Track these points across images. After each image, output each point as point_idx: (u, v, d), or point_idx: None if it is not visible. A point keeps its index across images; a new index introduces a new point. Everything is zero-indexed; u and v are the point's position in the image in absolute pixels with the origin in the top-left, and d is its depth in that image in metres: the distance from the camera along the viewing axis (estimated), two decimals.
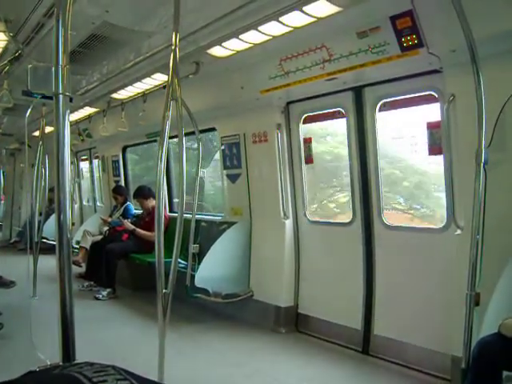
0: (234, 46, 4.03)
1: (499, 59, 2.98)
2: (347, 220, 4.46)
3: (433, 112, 3.69)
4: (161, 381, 2.37)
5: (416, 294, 3.81)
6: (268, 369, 3.87)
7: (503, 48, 2.93)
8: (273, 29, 3.64)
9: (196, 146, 3.75)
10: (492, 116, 2.93)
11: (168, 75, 2.53)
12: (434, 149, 3.69)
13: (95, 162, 9.55)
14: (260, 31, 3.70)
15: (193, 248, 4.32)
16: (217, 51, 4.20)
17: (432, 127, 3.67)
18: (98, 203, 9.62)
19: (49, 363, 1.34)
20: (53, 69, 1.39)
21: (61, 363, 1.40)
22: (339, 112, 4.42)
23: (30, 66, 1.44)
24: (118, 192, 7.73)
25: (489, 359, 2.47)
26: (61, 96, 1.40)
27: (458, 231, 3.40)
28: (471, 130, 2.88)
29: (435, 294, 3.64)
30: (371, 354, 4.14)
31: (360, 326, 4.25)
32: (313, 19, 3.40)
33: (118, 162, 8.47)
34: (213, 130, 5.71)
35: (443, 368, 3.47)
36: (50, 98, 1.45)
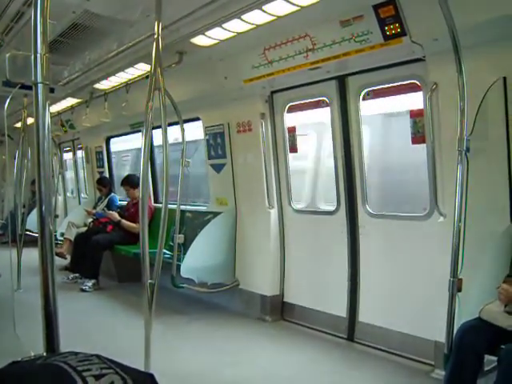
0: (217, 35, 4.00)
1: (481, 48, 3.00)
2: (332, 209, 4.48)
3: (416, 100, 3.71)
4: (147, 371, 2.37)
5: (400, 281, 3.86)
6: (254, 357, 3.89)
7: (485, 37, 2.95)
8: (256, 18, 3.61)
9: None
10: (474, 104, 2.96)
11: (151, 65, 2.51)
12: (417, 138, 3.71)
13: (79, 153, 9.45)
14: (243, 20, 3.67)
15: (178, 238, 4.31)
16: (200, 40, 4.16)
17: (415, 116, 3.69)
18: (83, 195, 9.54)
19: (33, 354, 1.33)
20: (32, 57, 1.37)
21: (45, 354, 1.40)
22: (323, 101, 4.43)
23: (8, 54, 1.41)
24: (102, 183, 7.67)
25: (470, 344, 2.52)
26: (40, 85, 1.38)
27: (441, 218, 3.44)
28: (453, 118, 2.91)
29: (419, 281, 3.69)
30: (356, 340, 4.19)
31: (345, 313, 4.29)
32: (296, 8, 3.38)
33: (101, 153, 8.38)
34: (197, 119, 5.68)
35: (427, 353, 3.53)
36: (30, 87, 1.43)
